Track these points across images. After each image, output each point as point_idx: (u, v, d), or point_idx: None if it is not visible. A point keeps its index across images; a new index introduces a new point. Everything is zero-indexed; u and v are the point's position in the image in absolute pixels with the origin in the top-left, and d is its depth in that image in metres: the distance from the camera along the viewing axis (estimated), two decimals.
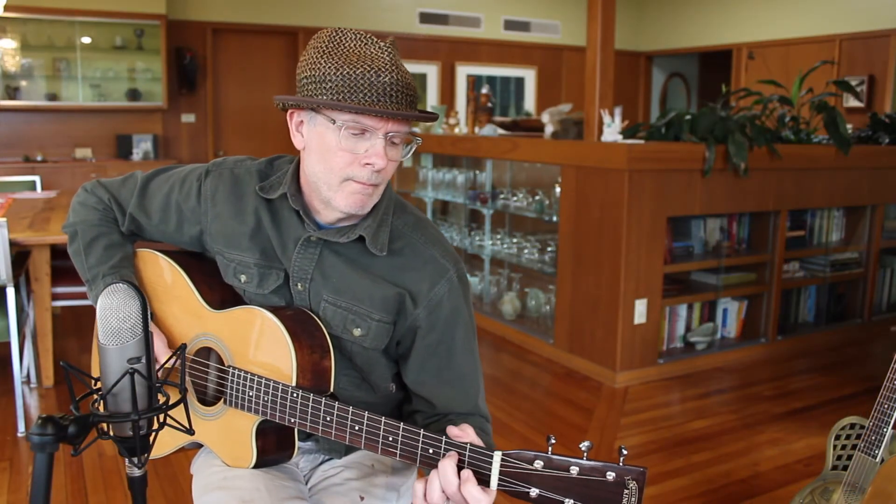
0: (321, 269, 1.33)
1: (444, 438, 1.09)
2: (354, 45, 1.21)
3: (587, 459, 1.00)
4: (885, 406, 1.83)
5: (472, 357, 1.36)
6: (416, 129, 5.58)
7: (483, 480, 1.05)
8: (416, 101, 1.23)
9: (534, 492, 1.01)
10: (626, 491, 0.98)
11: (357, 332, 1.31)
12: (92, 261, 1.41)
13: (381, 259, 1.32)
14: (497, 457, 1.04)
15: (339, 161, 1.23)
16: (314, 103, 1.21)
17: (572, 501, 1.00)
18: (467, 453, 1.06)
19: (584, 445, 1.00)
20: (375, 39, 1.21)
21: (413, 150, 1.29)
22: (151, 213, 1.45)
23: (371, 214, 1.32)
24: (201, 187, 1.42)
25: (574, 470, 1.00)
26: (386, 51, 1.20)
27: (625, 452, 0.99)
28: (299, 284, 1.34)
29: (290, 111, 1.30)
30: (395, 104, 1.19)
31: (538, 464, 1.01)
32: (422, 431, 1.11)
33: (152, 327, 1.36)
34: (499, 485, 1.04)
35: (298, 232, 1.33)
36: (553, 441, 1.02)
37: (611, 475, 0.98)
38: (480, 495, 1.04)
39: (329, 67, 1.19)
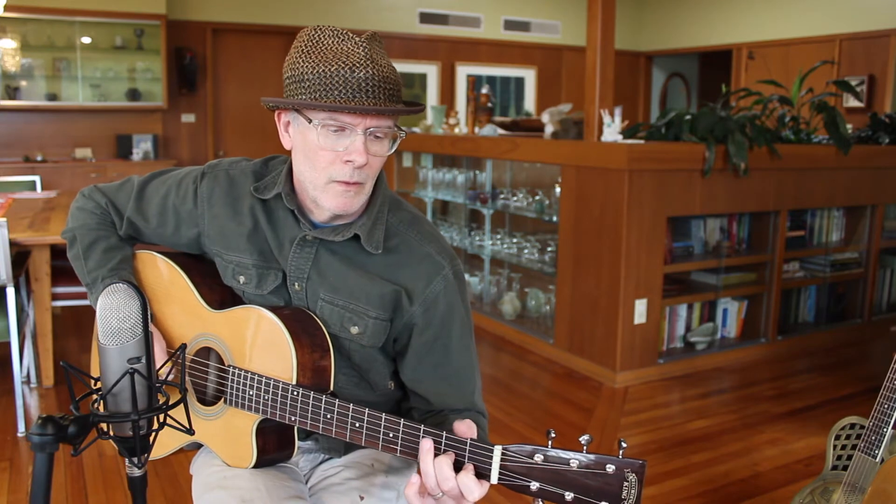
0: (317, 267, 1.33)
1: (444, 433, 1.09)
2: (331, 42, 1.21)
3: (587, 453, 1.00)
4: (885, 406, 1.83)
5: (468, 354, 1.37)
6: (417, 130, 5.59)
7: (483, 475, 1.05)
8: (397, 95, 1.22)
9: (534, 485, 1.01)
10: (625, 483, 0.98)
11: (354, 329, 1.32)
12: (91, 264, 1.42)
13: (376, 257, 1.32)
14: (497, 451, 1.04)
15: (322, 160, 1.23)
16: (291, 104, 1.22)
17: (572, 495, 1.00)
18: (468, 448, 1.07)
19: (584, 439, 1.00)
20: (352, 35, 1.21)
21: (398, 143, 1.28)
22: (149, 216, 1.46)
23: (366, 212, 1.32)
24: (197, 189, 1.42)
25: (574, 463, 1.00)
26: (361, 46, 1.19)
27: (624, 446, 0.99)
28: (296, 284, 1.34)
29: (277, 112, 1.31)
30: (371, 99, 1.19)
31: (538, 458, 1.01)
32: (422, 427, 1.11)
33: (151, 328, 1.37)
34: (499, 479, 1.04)
35: (294, 231, 1.34)
36: (553, 435, 1.02)
37: (610, 468, 0.99)
38: (474, 485, 1.04)
39: (307, 66, 1.20)
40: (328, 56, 1.19)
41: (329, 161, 1.23)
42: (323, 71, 1.19)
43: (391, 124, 1.24)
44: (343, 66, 1.18)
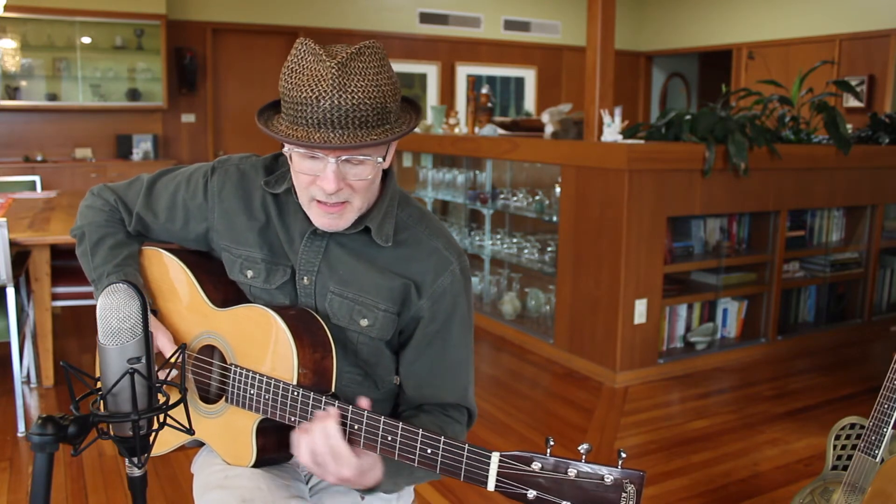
0: (328, 261, 1.34)
1: (442, 437, 1.09)
2: (309, 62, 1.17)
3: (586, 462, 1.00)
4: (885, 406, 1.83)
5: (465, 350, 1.38)
6: (417, 130, 5.58)
7: (480, 481, 1.05)
8: (371, 120, 1.17)
9: (531, 494, 1.01)
10: (624, 494, 0.98)
11: (364, 322, 1.32)
12: (97, 261, 1.42)
13: (386, 250, 1.33)
14: (495, 458, 1.04)
15: (302, 181, 1.24)
16: (270, 133, 1.23)
17: None
18: (465, 453, 1.06)
19: (583, 448, 0.99)
20: (325, 57, 1.16)
21: (377, 166, 1.24)
22: (158, 212, 1.46)
23: (376, 206, 1.33)
24: (207, 184, 1.43)
25: (572, 472, 0.99)
26: (332, 70, 1.14)
27: (623, 455, 0.98)
28: (305, 278, 1.35)
29: None
30: (337, 130, 1.16)
31: (536, 465, 1.01)
32: (420, 431, 1.11)
33: (156, 324, 1.37)
34: (496, 486, 1.04)
35: (305, 225, 1.35)
36: (552, 443, 1.02)
37: (609, 478, 0.98)
38: (339, 440, 1.14)
39: (287, 86, 1.19)
40: (302, 79, 1.16)
41: (308, 182, 1.24)
42: (296, 96, 1.17)
43: (368, 151, 1.21)
44: (311, 94, 1.15)
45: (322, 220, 1.27)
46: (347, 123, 1.16)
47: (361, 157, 1.21)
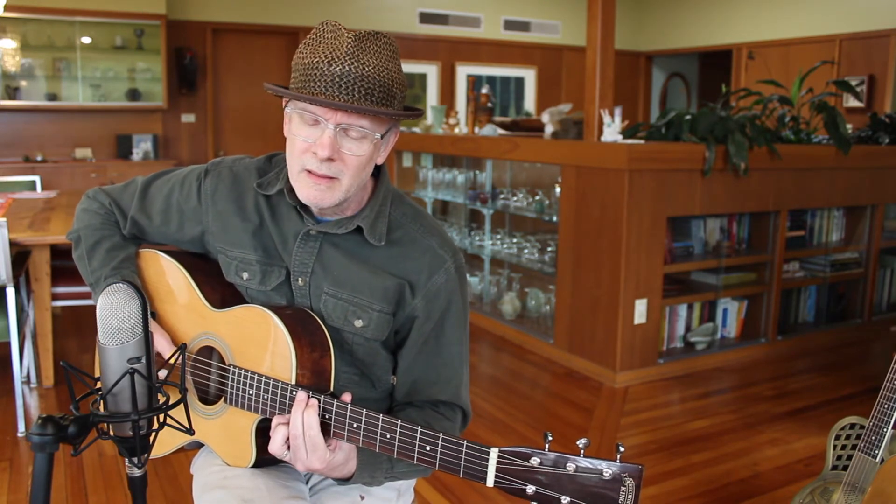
0: (321, 261, 1.34)
1: (441, 434, 1.09)
2: (328, 36, 1.21)
3: (584, 457, 1.00)
4: (885, 406, 1.83)
5: (458, 347, 1.38)
6: (417, 130, 5.58)
7: (480, 477, 1.05)
8: (376, 95, 1.19)
9: (530, 489, 1.01)
10: (622, 488, 0.98)
11: (358, 323, 1.32)
12: (95, 264, 1.42)
13: (379, 249, 1.33)
14: (494, 453, 1.04)
15: (297, 148, 1.24)
16: (275, 91, 1.24)
17: (569, 499, 1.00)
18: (464, 450, 1.07)
19: (581, 443, 1.00)
20: (345, 31, 1.21)
21: (374, 145, 1.24)
22: (153, 215, 1.46)
23: (368, 205, 1.33)
24: (201, 187, 1.43)
25: (571, 467, 1.00)
26: (348, 41, 1.19)
27: (622, 450, 0.99)
28: (300, 279, 1.35)
29: (284, 100, 1.32)
30: (344, 95, 1.18)
31: (535, 461, 1.01)
32: (419, 428, 1.11)
33: (154, 326, 1.37)
34: (495, 482, 1.04)
35: (298, 226, 1.35)
36: (550, 438, 1.02)
37: (608, 472, 0.99)
38: (317, 432, 1.15)
39: (300, 56, 1.22)
40: (317, 48, 1.20)
41: (302, 150, 1.24)
42: (308, 62, 1.20)
43: (367, 125, 1.22)
44: (323, 59, 1.18)
45: (308, 191, 1.25)
46: (353, 91, 1.18)
47: (360, 130, 1.22)
